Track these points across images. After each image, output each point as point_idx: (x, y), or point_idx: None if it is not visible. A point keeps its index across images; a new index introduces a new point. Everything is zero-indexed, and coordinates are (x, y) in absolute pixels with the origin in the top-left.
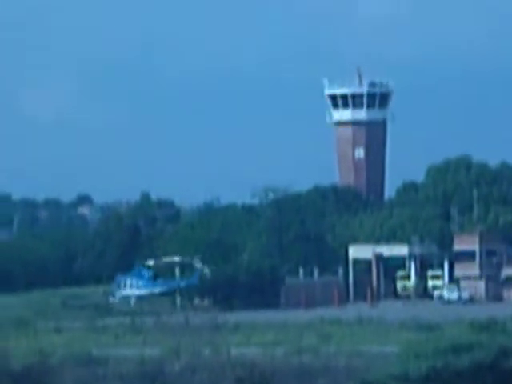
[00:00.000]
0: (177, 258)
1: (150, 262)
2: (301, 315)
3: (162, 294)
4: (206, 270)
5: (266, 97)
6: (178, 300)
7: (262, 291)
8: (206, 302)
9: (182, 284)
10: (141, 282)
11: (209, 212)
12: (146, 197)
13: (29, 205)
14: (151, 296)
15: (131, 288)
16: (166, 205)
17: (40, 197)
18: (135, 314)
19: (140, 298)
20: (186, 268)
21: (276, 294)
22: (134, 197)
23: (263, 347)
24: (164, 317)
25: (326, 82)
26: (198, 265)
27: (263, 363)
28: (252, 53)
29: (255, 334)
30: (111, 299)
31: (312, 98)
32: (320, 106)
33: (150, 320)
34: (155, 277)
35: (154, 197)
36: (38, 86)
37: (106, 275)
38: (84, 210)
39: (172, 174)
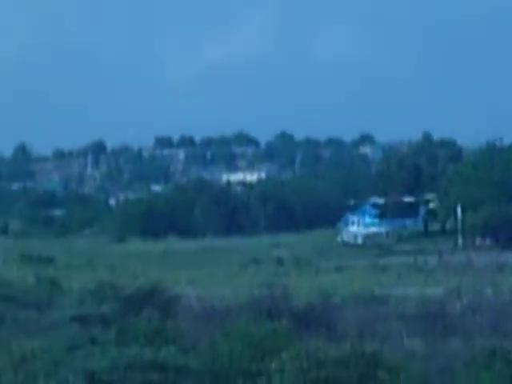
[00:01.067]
0: (408, 198)
1: (379, 200)
2: None
3: (388, 233)
4: (432, 208)
5: None
6: (460, 239)
7: None
8: (488, 241)
9: (408, 223)
10: (367, 220)
11: (491, 152)
12: (427, 136)
13: (311, 144)
14: (377, 235)
15: (358, 226)
16: (447, 144)
17: (323, 136)
18: (417, 253)
19: (366, 236)
20: (415, 207)
21: None
22: (416, 136)
23: None
24: (446, 256)
25: None
26: (432, 204)
27: None
28: None
29: None
30: (338, 237)
31: None
32: None
33: (432, 259)
34: (382, 215)
35: (435, 136)
36: (323, 30)
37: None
38: (366, 150)
39: (454, 113)
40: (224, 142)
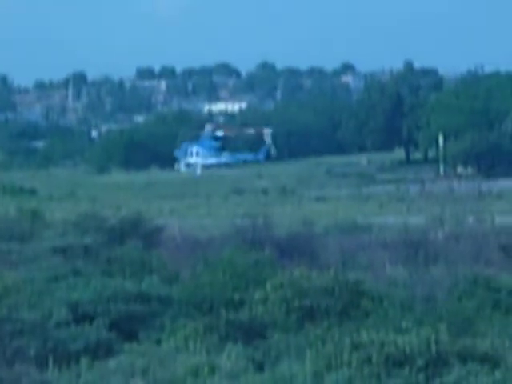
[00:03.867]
0: (251, 130)
1: (219, 132)
2: None
3: (228, 165)
4: (273, 149)
5: None
6: (441, 168)
7: None
8: (470, 169)
9: (249, 158)
10: (207, 152)
11: (473, 80)
12: (409, 65)
13: (293, 73)
14: (217, 166)
15: (197, 156)
16: (429, 73)
17: (304, 65)
18: (399, 182)
19: (206, 167)
20: (255, 141)
21: None
22: (397, 65)
23: None
24: (428, 185)
25: None
26: (267, 140)
27: None
28: None
29: None
30: (176, 166)
31: None
32: None
33: (413, 188)
34: (222, 147)
35: (417, 65)
36: None
37: (370, 144)
38: (347, 79)
39: (436, 41)
40: (205, 72)
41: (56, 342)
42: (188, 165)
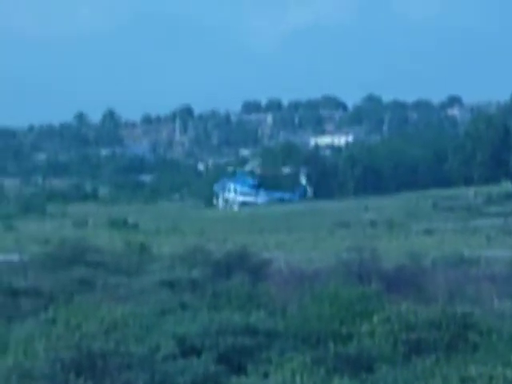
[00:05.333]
0: (286, 170)
1: (257, 170)
2: None
3: (264, 203)
4: (308, 188)
5: None
6: None
7: None
8: None
9: (285, 197)
10: (245, 189)
11: None
12: None
13: (399, 106)
14: (253, 204)
15: (235, 193)
16: None
17: (410, 98)
18: (506, 215)
19: (243, 204)
20: (294, 181)
21: None
22: (504, 97)
23: None
24: None
25: None
26: (303, 181)
27: None
28: None
29: None
30: (214, 201)
31: None
32: None
33: None
34: (259, 185)
35: None
36: None
37: (477, 176)
38: (454, 111)
39: None
40: (312, 105)
41: (164, 375)
42: (226, 201)
